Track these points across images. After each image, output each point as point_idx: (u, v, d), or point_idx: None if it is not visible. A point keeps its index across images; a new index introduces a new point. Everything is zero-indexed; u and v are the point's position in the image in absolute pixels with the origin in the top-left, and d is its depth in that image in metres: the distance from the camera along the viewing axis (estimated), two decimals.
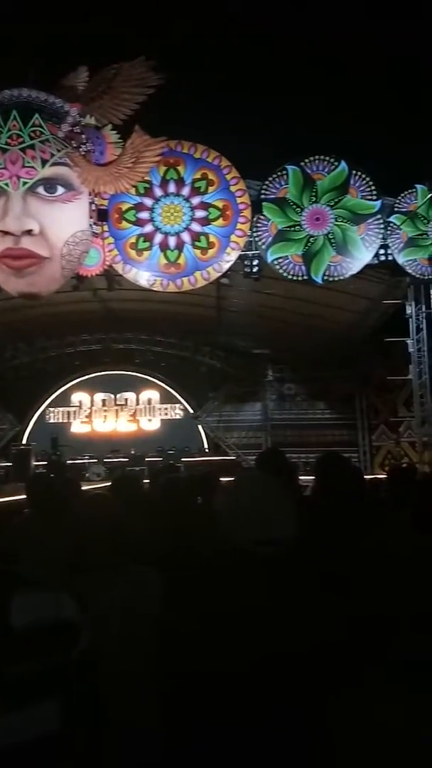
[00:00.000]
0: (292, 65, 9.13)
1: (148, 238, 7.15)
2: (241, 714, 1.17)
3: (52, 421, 16.51)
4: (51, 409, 16.57)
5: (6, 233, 6.51)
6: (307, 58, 8.93)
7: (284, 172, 7.17)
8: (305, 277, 7.23)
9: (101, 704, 0.94)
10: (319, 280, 7.23)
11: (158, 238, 7.14)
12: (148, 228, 7.14)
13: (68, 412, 16.70)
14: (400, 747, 0.94)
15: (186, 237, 7.10)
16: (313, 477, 3.34)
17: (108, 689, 1.04)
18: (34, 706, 0.82)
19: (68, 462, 14.35)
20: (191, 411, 15.88)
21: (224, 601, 1.29)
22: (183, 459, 13.52)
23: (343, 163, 7.19)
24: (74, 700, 0.86)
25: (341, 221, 7.11)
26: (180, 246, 7.12)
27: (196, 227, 7.08)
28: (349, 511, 2.44)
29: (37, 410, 16.24)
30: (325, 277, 7.21)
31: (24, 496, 3.02)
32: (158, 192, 7.07)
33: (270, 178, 7.19)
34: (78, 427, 16.70)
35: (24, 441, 15.54)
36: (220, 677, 1.19)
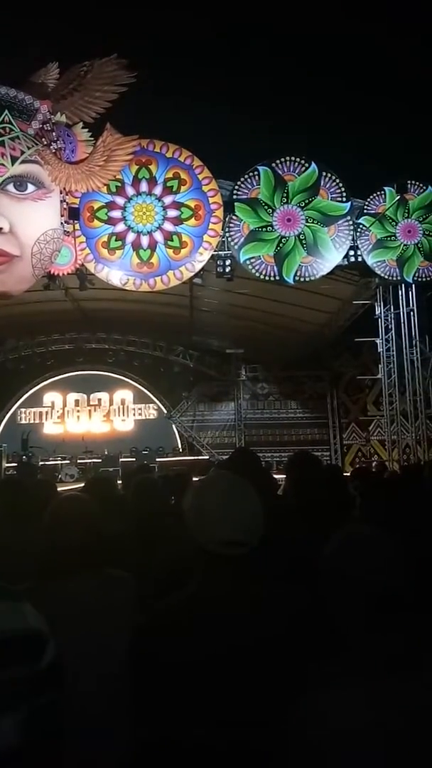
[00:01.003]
0: (264, 63, 9.18)
1: (120, 237, 7.11)
2: (219, 714, 1.19)
3: (23, 421, 16.29)
4: (22, 409, 16.36)
5: None
6: (279, 57, 8.99)
7: (256, 172, 7.21)
8: (277, 278, 7.29)
9: (65, 718, 0.92)
10: (290, 280, 7.30)
11: (131, 237, 7.10)
12: (120, 227, 7.10)
13: (40, 413, 16.52)
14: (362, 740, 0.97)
15: (158, 236, 7.08)
16: (284, 475, 3.39)
17: (77, 698, 1.03)
18: None
19: (41, 463, 14.18)
20: (165, 411, 15.85)
21: (193, 602, 1.30)
22: (157, 459, 13.50)
23: (313, 165, 7.27)
24: (37, 713, 0.84)
25: (312, 222, 7.19)
26: (153, 245, 7.10)
27: (168, 227, 7.07)
28: (318, 509, 2.48)
29: (8, 411, 16.01)
30: (297, 278, 7.28)
31: None
32: (130, 191, 7.03)
33: (242, 179, 7.22)
34: (50, 428, 16.52)
35: None
36: (194, 680, 1.20)
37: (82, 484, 4.07)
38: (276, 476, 3.88)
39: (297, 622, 1.29)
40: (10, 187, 6.48)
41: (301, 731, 1.01)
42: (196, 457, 14.43)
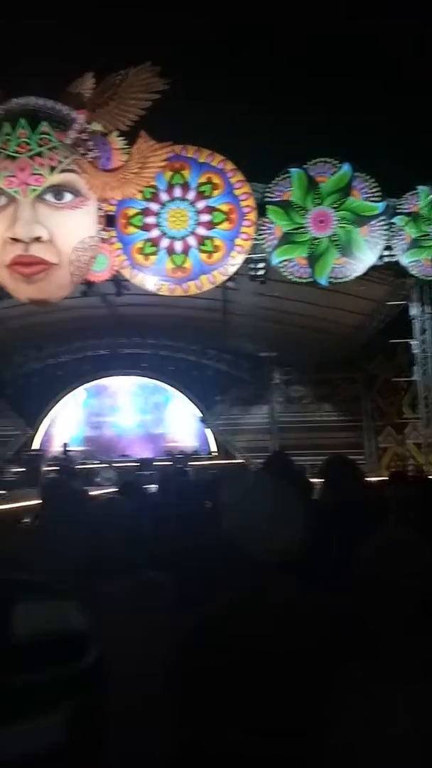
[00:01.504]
0: (292, 65, 9.17)
1: (154, 242, 7.20)
2: (258, 720, 1.19)
3: (62, 426, 16.61)
4: (61, 414, 16.67)
5: (16, 240, 6.59)
6: (308, 58, 8.96)
7: (288, 175, 7.20)
8: (310, 279, 7.25)
9: (108, 718, 0.94)
10: (324, 282, 7.25)
11: (165, 242, 7.18)
12: (155, 233, 7.19)
13: (80, 416, 16.81)
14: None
15: (192, 241, 7.14)
16: (320, 480, 3.37)
17: (119, 698, 1.05)
18: (38, 718, 0.81)
19: (78, 467, 14.42)
20: (199, 414, 15.91)
21: (233, 607, 1.31)
22: (191, 463, 13.54)
23: (346, 166, 7.21)
24: (78, 714, 0.85)
25: (345, 223, 7.13)
26: (186, 250, 7.16)
27: (201, 231, 7.12)
28: (355, 513, 2.46)
29: (47, 415, 16.34)
30: (330, 279, 7.22)
31: (36, 502, 3.06)
32: (164, 197, 7.12)
33: (274, 181, 7.22)
34: (88, 432, 16.79)
35: (35, 446, 15.63)
36: (233, 685, 1.21)
37: (120, 488, 4.14)
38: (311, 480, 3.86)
39: (335, 627, 1.28)
40: (49, 197, 6.65)
41: (338, 736, 1.02)
42: (230, 461, 14.43)
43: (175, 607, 1.74)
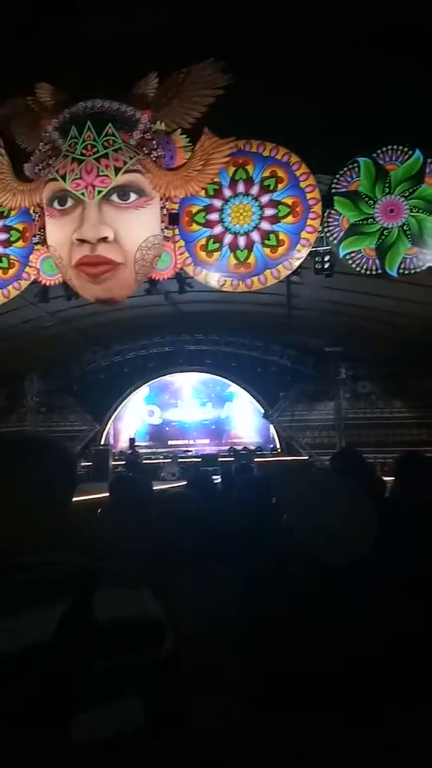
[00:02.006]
0: (358, 51, 8.87)
1: (217, 239, 7.19)
2: (324, 717, 1.15)
3: (128, 422, 17.02)
4: (127, 410, 17.09)
5: (83, 241, 6.75)
6: (373, 43, 8.64)
7: (356, 164, 6.97)
8: (379, 271, 7.00)
9: (184, 706, 0.94)
10: (394, 273, 6.97)
11: (228, 238, 7.16)
12: (218, 229, 7.18)
13: (145, 412, 17.17)
14: None
15: (255, 236, 7.08)
16: (390, 478, 3.24)
17: (187, 691, 1.05)
18: (117, 703, 0.83)
19: (144, 462, 14.73)
20: (263, 410, 15.84)
21: (301, 609, 1.27)
22: (255, 459, 13.51)
23: (417, 152, 6.89)
24: (158, 699, 0.86)
25: (417, 212, 6.83)
26: (250, 245, 7.10)
27: (265, 226, 7.04)
28: (429, 512, 2.34)
29: (114, 411, 16.79)
30: (401, 270, 6.94)
31: (104, 495, 3.12)
32: (227, 193, 7.09)
33: (341, 172, 7.02)
34: (153, 428, 17.11)
35: (102, 442, 16.11)
36: (302, 680, 1.18)
37: (184, 482, 4.16)
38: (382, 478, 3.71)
39: (406, 629, 1.22)
40: (114, 197, 6.78)
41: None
42: (295, 458, 14.28)
43: (242, 601, 1.72)
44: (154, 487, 3.41)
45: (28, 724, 0.77)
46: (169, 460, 14.84)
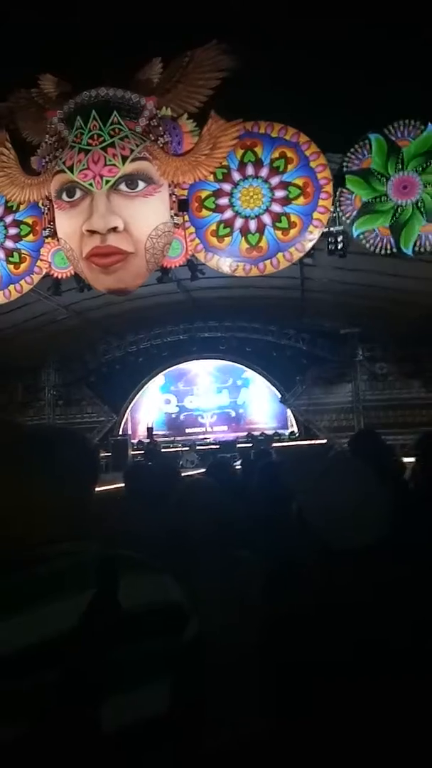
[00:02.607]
0: (366, 26, 8.66)
1: (228, 223, 7.12)
2: (344, 704, 1.14)
3: (145, 411, 17.11)
4: (144, 399, 17.17)
5: (93, 232, 6.73)
6: (381, 19, 8.42)
7: (367, 141, 6.83)
8: (394, 250, 6.87)
9: (207, 691, 0.94)
10: (409, 252, 6.84)
11: (239, 222, 7.08)
12: (228, 213, 7.10)
13: (161, 401, 17.24)
14: None
15: (266, 219, 6.99)
16: (411, 459, 3.20)
17: (209, 677, 1.05)
18: (142, 689, 0.84)
19: (162, 450, 14.81)
20: (279, 395, 15.80)
21: (320, 595, 1.26)
22: (273, 444, 13.50)
23: (430, 126, 6.72)
24: (180, 684, 0.87)
25: (431, 188, 6.68)
26: (261, 229, 7.02)
27: (276, 208, 6.94)
28: None
29: (131, 402, 16.88)
30: (416, 249, 6.81)
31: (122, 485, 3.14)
32: (237, 176, 7.00)
33: (352, 149, 6.88)
34: (170, 416, 17.18)
35: (120, 432, 16.22)
36: (321, 668, 1.17)
37: (204, 470, 4.16)
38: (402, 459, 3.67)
39: (424, 612, 1.21)
40: (122, 186, 6.73)
41: None
42: (313, 442, 14.24)
43: (262, 586, 1.72)
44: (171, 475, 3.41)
45: (56, 714, 0.77)
46: (188, 448, 14.90)
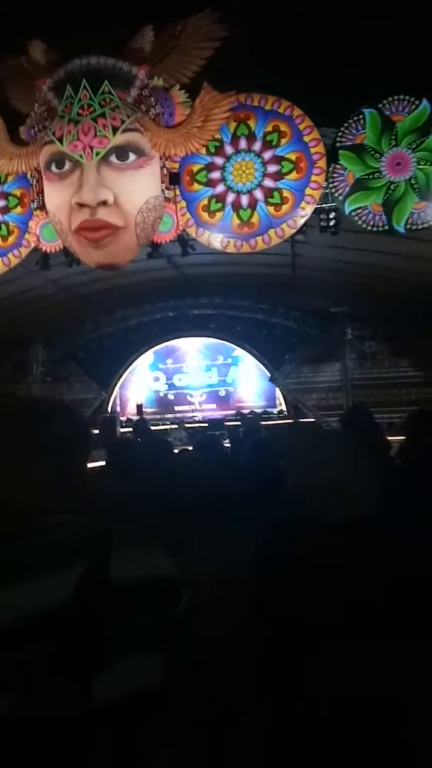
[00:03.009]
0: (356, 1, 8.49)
1: (220, 198, 7.02)
2: (335, 672, 1.17)
3: (134, 388, 17.07)
4: (133, 376, 17.12)
5: (82, 205, 6.61)
6: None
7: (361, 116, 6.73)
8: (386, 227, 6.84)
9: (199, 664, 0.96)
10: (401, 229, 6.81)
11: (230, 197, 6.99)
12: (220, 188, 7.01)
13: (150, 379, 17.19)
14: None
15: (258, 194, 6.91)
16: (399, 437, 3.23)
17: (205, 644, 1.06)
18: (134, 662, 0.84)
19: (151, 428, 14.81)
20: (268, 374, 15.82)
21: (304, 566, 1.28)
22: (262, 422, 13.56)
23: (424, 102, 6.64)
24: (173, 657, 0.88)
25: (424, 164, 6.62)
26: (253, 204, 6.94)
27: (268, 183, 6.86)
28: None
29: (120, 379, 16.82)
30: (409, 226, 6.78)
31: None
32: (229, 149, 6.89)
33: (345, 124, 6.78)
34: (159, 394, 17.16)
35: (109, 409, 16.19)
36: (311, 635, 1.19)
37: (194, 445, 4.17)
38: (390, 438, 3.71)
39: (413, 588, 1.23)
40: (113, 158, 6.60)
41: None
42: (301, 419, 14.32)
43: (252, 559, 1.75)
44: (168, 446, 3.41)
45: (48, 685, 0.78)
46: (176, 426, 14.93)
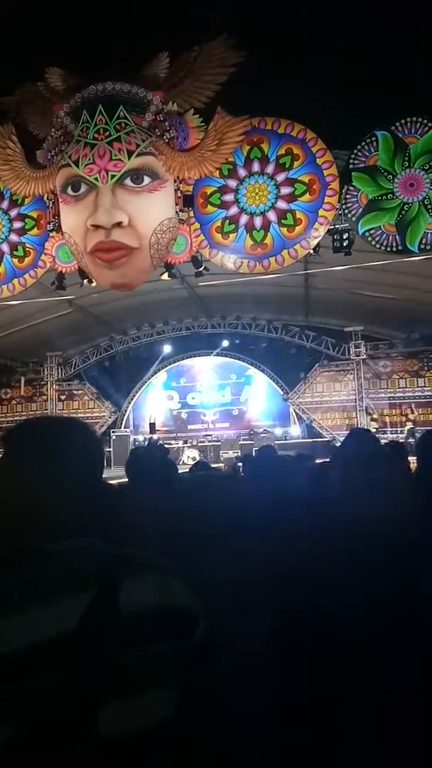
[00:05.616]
0: (368, 24, 8.62)
1: (233, 220, 7.10)
2: (359, 696, 1.14)
3: (147, 407, 17.08)
4: (146, 395, 17.15)
5: (97, 227, 6.72)
6: (389, 16, 8.38)
7: (373, 138, 6.80)
8: (400, 248, 6.85)
9: (219, 696, 0.90)
10: (415, 249, 6.82)
11: (243, 219, 7.06)
12: (233, 210, 7.08)
13: (164, 397, 17.21)
14: None
15: (272, 216, 6.97)
16: (414, 456, 3.19)
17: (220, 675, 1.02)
18: (145, 694, 0.80)
19: (164, 446, 14.76)
20: (282, 393, 15.77)
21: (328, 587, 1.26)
22: (276, 441, 13.47)
23: None
24: (190, 689, 0.83)
25: None
26: (266, 226, 7.00)
27: (282, 205, 6.92)
28: None
29: (134, 397, 16.87)
30: (422, 246, 6.79)
31: (124, 480, 3.12)
32: (242, 172, 6.98)
33: (359, 146, 6.85)
34: (171, 413, 17.16)
35: (122, 427, 16.21)
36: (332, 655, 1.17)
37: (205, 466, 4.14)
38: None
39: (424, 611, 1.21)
40: (128, 181, 6.71)
41: None
42: (315, 440, 14.22)
43: (269, 574, 1.72)
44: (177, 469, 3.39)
45: (54, 718, 0.75)
46: (188, 445, 14.89)
